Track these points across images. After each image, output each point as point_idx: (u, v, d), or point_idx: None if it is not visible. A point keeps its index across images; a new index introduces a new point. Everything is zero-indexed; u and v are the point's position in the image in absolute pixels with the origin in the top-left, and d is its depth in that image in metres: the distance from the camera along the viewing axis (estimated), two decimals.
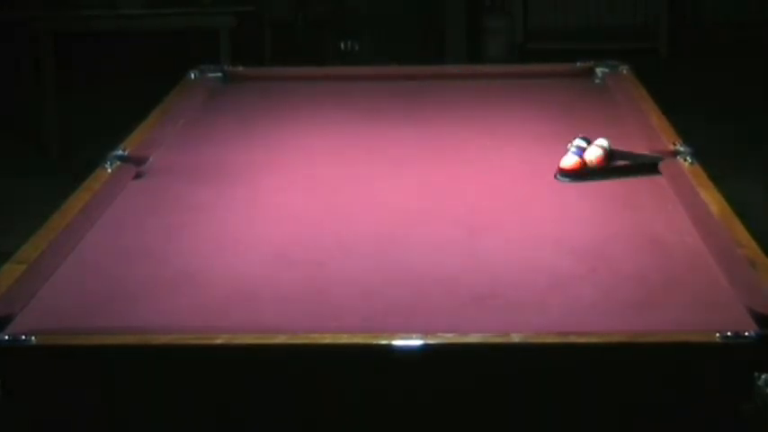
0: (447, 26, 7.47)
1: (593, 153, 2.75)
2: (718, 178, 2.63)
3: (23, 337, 1.91)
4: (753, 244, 2.23)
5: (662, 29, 7.98)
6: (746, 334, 1.87)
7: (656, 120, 3.09)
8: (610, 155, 2.77)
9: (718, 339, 1.87)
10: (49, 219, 2.45)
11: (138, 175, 2.79)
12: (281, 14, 7.19)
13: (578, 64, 3.72)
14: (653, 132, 2.98)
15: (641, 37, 7.98)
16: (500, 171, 2.82)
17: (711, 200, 2.47)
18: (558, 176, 2.71)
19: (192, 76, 3.67)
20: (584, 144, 2.77)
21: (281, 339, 1.91)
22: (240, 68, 3.81)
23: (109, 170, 2.76)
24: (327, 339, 1.90)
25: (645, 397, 1.89)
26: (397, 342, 1.90)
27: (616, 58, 3.75)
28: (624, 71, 3.64)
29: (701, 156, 2.76)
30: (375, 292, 2.13)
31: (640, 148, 2.89)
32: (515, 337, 1.90)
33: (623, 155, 2.80)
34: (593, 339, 1.90)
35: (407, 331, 1.91)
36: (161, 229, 2.47)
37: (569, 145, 2.77)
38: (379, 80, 3.79)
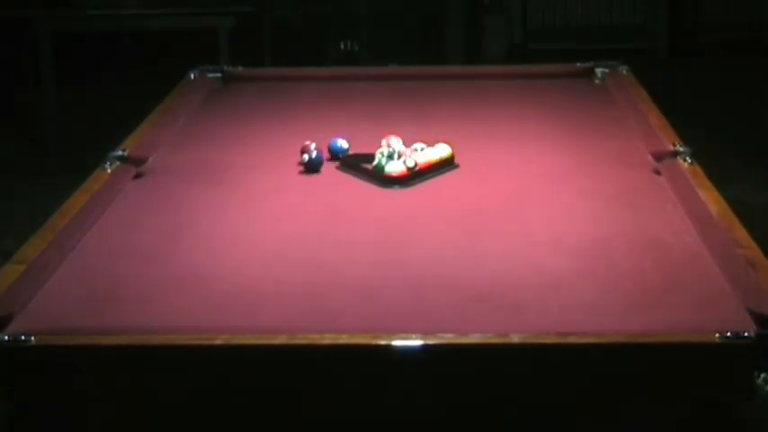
0: (447, 26, 7.47)
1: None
2: (718, 178, 2.63)
3: (23, 337, 1.92)
4: (752, 244, 2.23)
5: (661, 29, 7.98)
6: (746, 334, 1.87)
7: (656, 120, 3.10)
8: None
9: (717, 339, 1.87)
10: (49, 219, 2.45)
11: (137, 176, 2.79)
12: (281, 14, 7.18)
13: (578, 64, 3.72)
14: (652, 132, 2.99)
15: (641, 37, 7.98)
16: (500, 171, 2.81)
17: (711, 200, 2.47)
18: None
19: (192, 76, 3.67)
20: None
21: (281, 339, 1.91)
22: (240, 69, 3.81)
23: (108, 170, 2.76)
24: (327, 340, 1.90)
25: (644, 397, 1.89)
26: (397, 342, 1.90)
27: (616, 58, 3.75)
28: (624, 71, 3.64)
29: (701, 156, 2.76)
30: (375, 292, 2.13)
31: (640, 148, 2.89)
32: (515, 338, 1.90)
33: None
34: (593, 340, 1.90)
35: (407, 331, 1.91)
36: (161, 229, 2.47)
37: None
38: (379, 80, 3.79)
